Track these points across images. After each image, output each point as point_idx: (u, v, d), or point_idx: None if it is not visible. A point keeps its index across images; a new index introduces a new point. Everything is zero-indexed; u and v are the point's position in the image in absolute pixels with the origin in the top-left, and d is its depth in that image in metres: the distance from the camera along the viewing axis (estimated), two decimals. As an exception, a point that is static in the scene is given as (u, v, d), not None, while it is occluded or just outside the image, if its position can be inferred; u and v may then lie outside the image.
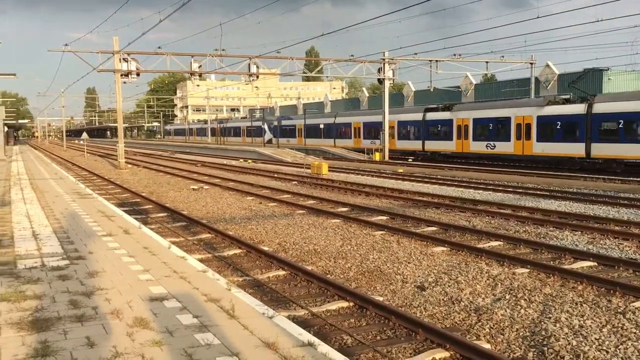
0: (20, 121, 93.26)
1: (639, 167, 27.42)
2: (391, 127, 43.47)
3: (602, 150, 28.40)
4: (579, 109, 29.77)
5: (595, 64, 52.30)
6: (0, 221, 12.63)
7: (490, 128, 35.13)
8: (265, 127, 68.11)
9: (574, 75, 46.04)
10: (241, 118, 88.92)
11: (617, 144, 27.55)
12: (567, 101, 31.54)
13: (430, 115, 40.61)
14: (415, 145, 42.07)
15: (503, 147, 34.05)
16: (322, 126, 54.15)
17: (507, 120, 33.79)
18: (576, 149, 29.56)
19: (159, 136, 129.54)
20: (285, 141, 60.27)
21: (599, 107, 28.77)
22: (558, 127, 30.51)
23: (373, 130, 46.41)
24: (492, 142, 34.99)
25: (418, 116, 41.91)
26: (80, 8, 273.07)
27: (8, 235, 10.79)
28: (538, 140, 31.72)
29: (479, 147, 35.93)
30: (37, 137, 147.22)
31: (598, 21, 28.64)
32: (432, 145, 40.21)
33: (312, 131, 56.54)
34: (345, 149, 49.20)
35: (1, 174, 27.48)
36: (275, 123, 64.61)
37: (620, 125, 27.46)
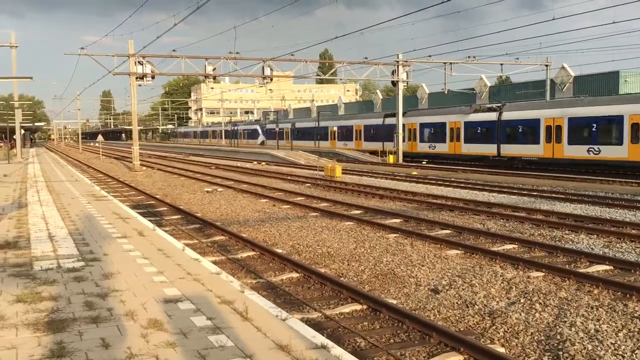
0: (36, 124, 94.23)
1: (534, 163, 34.05)
2: (358, 131, 50.61)
3: (508, 150, 35.25)
4: (492, 116, 36.34)
5: (611, 66, 51.65)
6: (17, 223, 12.77)
7: (432, 131, 41.47)
8: (259, 129, 74.37)
9: (590, 78, 45.79)
10: (255, 120, 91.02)
11: (518, 145, 34.53)
12: (489, 109, 37.41)
13: (388, 120, 46.49)
14: (378, 146, 47.30)
15: (441, 148, 40.27)
16: (335, 128, 55.54)
17: (443, 125, 39.95)
18: (491, 149, 36.25)
19: (172, 138, 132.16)
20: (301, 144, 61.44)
21: (505, 115, 35.44)
22: (478, 131, 37.24)
23: (345, 131, 52.89)
24: (433, 144, 41.23)
25: (379, 120, 48.11)
26: (97, 12, 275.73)
27: (24, 237, 10.91)
28: (465, 142, 38.19)
29: (423, 147, 42.37)
30: (54, 139, 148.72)
31: (614, 23, 28.39)
32: (391, 146, 44.80)
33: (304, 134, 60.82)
34: (358, 151, 49.41)
35: (18, 176, 27.79)
36: (289, 126, 65.08)
37: (519, 130, 34.44)
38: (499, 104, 37.71)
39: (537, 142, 33.17)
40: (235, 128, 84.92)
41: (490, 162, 36.03)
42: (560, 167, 32.18)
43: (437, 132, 40.57)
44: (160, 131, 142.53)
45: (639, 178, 26.61)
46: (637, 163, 28.22)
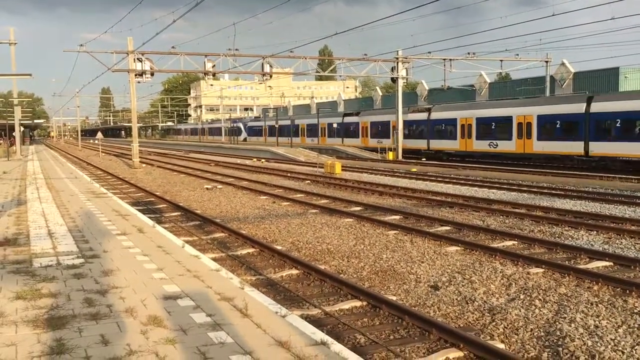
0: (36, 121, 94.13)
1: (453, 155, 40.00)
2: (323, 128, 57.30)
3: (435, 144, 41.55)
4: (424, 116, 42.72)
5: (611, 63, 51.71)
6: (16, 220, 12.77)
7: (380, 129, 47.87)
8: (242, 127, 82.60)
9: (590, 74, 45.77)
10: (238, 119, 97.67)
11: (442, 140, 40.69)
12: (422, 110, 43.71)
13: (347, 119, 53.78)
14: (337, 141, 53.89)
15: (386, 142, 46.14)
16: (334, 125, 58.14)
17: (388, 123, 46.33)
18: (423, 144, 42.66)
19: (167, 136, 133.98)
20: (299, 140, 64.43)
21: (433, 115, 41.88)
22: (414, 128, 43.76)
23: (313, 128, 59.41)
24: (380, 139, 47.30)
25: (339, 119, 55.08)
26: (96, 9, 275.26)
27: (24, 234, 10.91)
28: (404, 137, 43.68)
29: (373, 142, 48.48)
30: (53, 136, 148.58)
31: (613, 19, 28.37)
32: (348, 142, 52.05)
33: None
34: (357, 148, 49.86)
35: (17, 174, 27.78)
36: (289, 122, 66.08)
37: (442, 128, 40.67)
38: (430, 106, 44.46)
39: (454, 137, 39.49)
40: (220, 126, 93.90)
41: (422, 154, 42.50)
42: (472, 159, 38.47)
43: (384, 129, 47.20)
44: (160, 128, 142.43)
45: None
46: (523, 155, 34.33)
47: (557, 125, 32.23)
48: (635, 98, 29.59)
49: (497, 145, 35.65)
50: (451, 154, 40.27)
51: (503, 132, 35.24)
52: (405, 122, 43.62)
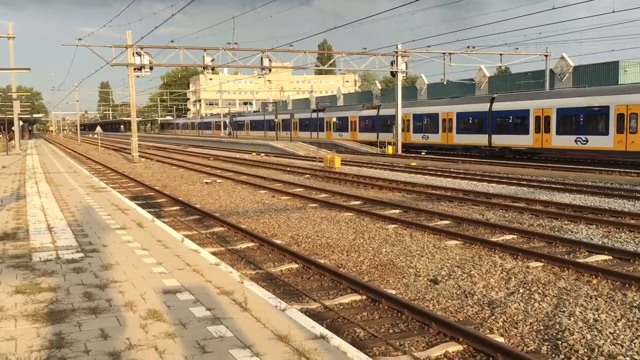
0: (35, 115, 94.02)
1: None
2: (295, 123, 61.92)
3: (383, 137, 46.40)
4: (374, 112, 48.91)
5: (610, 56, 51.63)
6: (15, 214, 12.76)
7: (340, 123, 53.84)
8: (226, 122, 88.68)
9: (589, 68, 45.71)
10: (223, 115, 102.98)
11: (387, 133, 45.45)
12: (372, 107, 50.08)
13: (313, 115, 58.67)
14: (307, 135, 58.87)
15: (345, 136, 52.29)
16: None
17: (347, 118, 52.83)
18: (374, 137, 48.19)
19: (160, 130, 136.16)
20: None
21: (381, 112, 47.71)
22: (366, 123, 49.90)
23: (287, 123, 64.33)
24: (341, 133, 53.44)
25: (308, 115, 60.31)
26: (94, 3, 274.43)
27: (23, 228, 10.90)
28: (360, 131, 50.58)
29: (335, 136, 54.00)
30: (52, 131, 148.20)
31: (613, 12, 28.27)
32: (303, 135, 58.73)
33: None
34: (357, 142, 50.15)
35: (16, 168, 27.76)
36: (288, 117, 66.33)
37: (388, 123, 45.52)
38: (378, 104, 50.85)
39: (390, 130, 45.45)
40: (207, 121, 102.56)
41: (374, 145, 47.65)
42: (410, 149, 43.32)
43: (344, 124, 53.32)
44: (159, 122, 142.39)
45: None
46: (446, 145, 40.52)
47: (470, 121, 38.10)
48: (522, 99, 34.41)
49: (428, 137, 42.23)
50: (391, 144, 45.32)
51: (433, 126, 41.46)
52: (359, 117, 50.77)
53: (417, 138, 43.35)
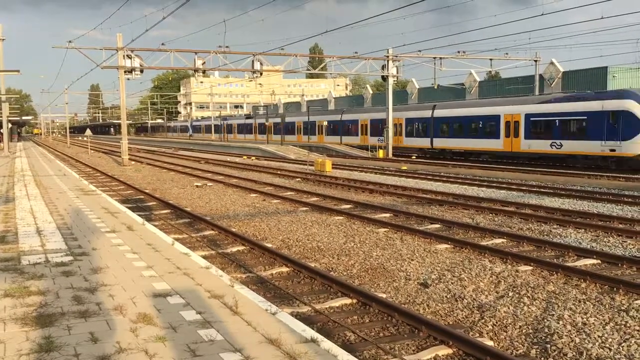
0: (24, 118, 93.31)
1: (356, 147, 49.62)
2: (269, 127, 66.95)
3: (345, 140, 52.04)
4: (337, 117, 54.56)
5: (599, 62, 52.06)
6: (4, 217, 12.67)
7: (308, 127, 58.67)
8: (188, 125, 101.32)
9: (578, 73, 46.06)
10: (184, 120, 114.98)
11: (349, 137, 51.90)
12: (335, 112, 56.86)
13: (286, 119, 65.09)
14: (276, 137, 64.40)
15: (314, 139, 57.00)
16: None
17: (314, 122, 57.51)
18: (337, 140, 53.16)
19: (144, 133, 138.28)
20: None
21: (344, 117, 53.61)
22: (331, 127, 54.47)
23: (248, 126, 75.89)
24: (310, 136, 58.02)
25: (278, 120, 66.00)
26: (85, 5, 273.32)
27: (12, 232, 10.83)
28: (326, 135, 55.13)
29: (304, 139, 58.69)
30: (40, 133, 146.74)
31: (602, 18, 28.56)
32: (287, 138, 62.37)
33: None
34: (348, 146, 50.29)
35: (5, 171, 27.56)
36: (279, 120, 66.62)
37: (350, 127, 52.04)
38: (342, 109, 57.87)
39: (356, 134, 51.07)
40: (175, 125, 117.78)
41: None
42: (365, 150, 47.22)
43: (312, 128, 57.92)
44: (149, 126, 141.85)
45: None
46: (398, 146, 43.92)
47: (416, 126, 43.35)
48: (455, 107, 40.29)
49: (383, 139, 45.50)
50: (354, 146, 50.28)
51: (379, 131, 46.57)
52: (328, 122, 54.83)
53: (373, 141, 47.90)
